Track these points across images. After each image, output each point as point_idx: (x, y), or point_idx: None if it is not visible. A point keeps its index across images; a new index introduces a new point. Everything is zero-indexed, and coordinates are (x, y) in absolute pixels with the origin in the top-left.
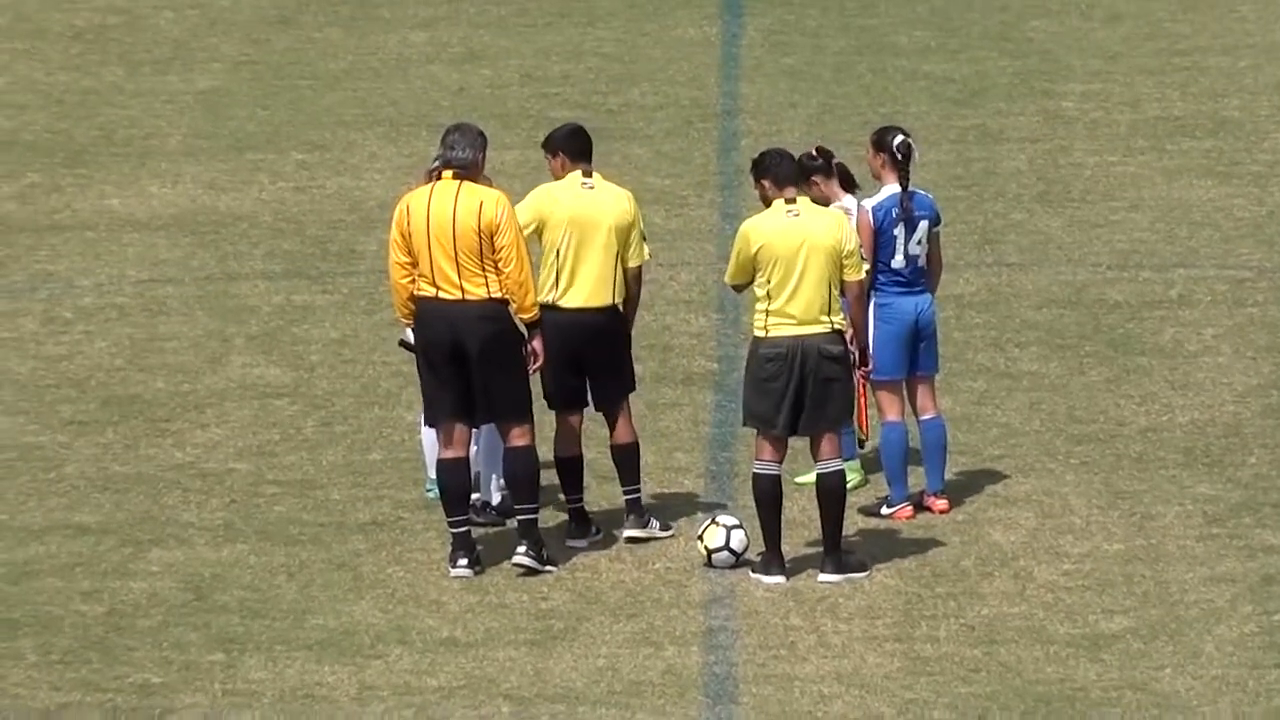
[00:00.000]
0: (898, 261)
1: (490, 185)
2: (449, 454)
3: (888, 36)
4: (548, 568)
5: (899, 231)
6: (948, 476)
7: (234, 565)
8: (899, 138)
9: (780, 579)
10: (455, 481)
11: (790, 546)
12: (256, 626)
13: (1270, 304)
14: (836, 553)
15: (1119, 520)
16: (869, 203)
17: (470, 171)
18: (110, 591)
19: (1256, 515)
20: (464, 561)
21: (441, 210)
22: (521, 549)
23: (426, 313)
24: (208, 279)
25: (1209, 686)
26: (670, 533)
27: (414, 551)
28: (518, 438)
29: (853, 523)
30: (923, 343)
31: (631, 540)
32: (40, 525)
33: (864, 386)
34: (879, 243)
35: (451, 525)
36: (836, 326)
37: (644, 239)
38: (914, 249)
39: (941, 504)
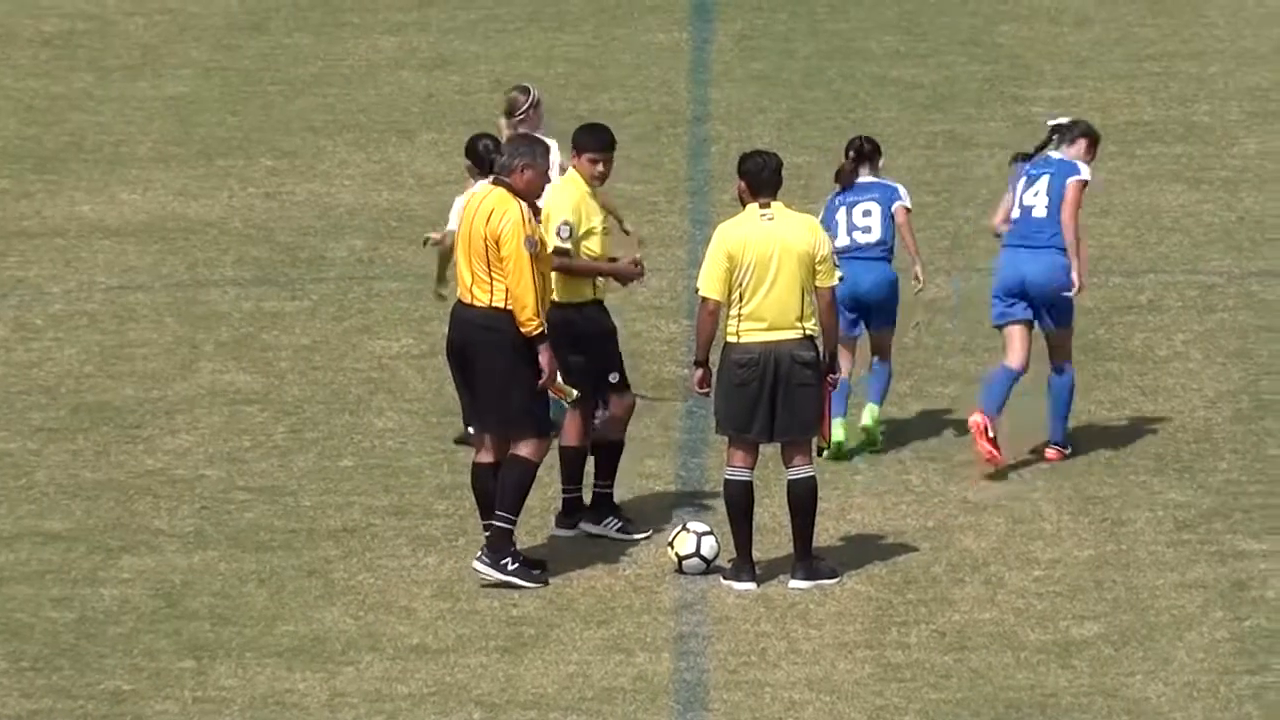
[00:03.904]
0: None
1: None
2: (476, 458)
3: (857, 42)
4: (514, 580)
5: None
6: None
7: (204, 572)
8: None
9: (751, 585)
10: (478, 486)
11: (761, 553)
12: (227, 633)
13: (1240, 309)
14: (807, 559)
15: (1089, 526)
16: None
17: (509, 177)
18: (81, 599)
19: (1227, 521)
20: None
21: (468, 214)
22: (480, 554)
23: (451, 314)
24: (178, 286)
25: (1180, 693)
26: (644, 535)
27: (384, 558)
28: (518, 447)
29: (824, 529)
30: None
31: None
32: (10, 532)
33: (829, 393)
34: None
35: (484, 528)
36: (808, 332)
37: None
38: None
39: (1052, 453)
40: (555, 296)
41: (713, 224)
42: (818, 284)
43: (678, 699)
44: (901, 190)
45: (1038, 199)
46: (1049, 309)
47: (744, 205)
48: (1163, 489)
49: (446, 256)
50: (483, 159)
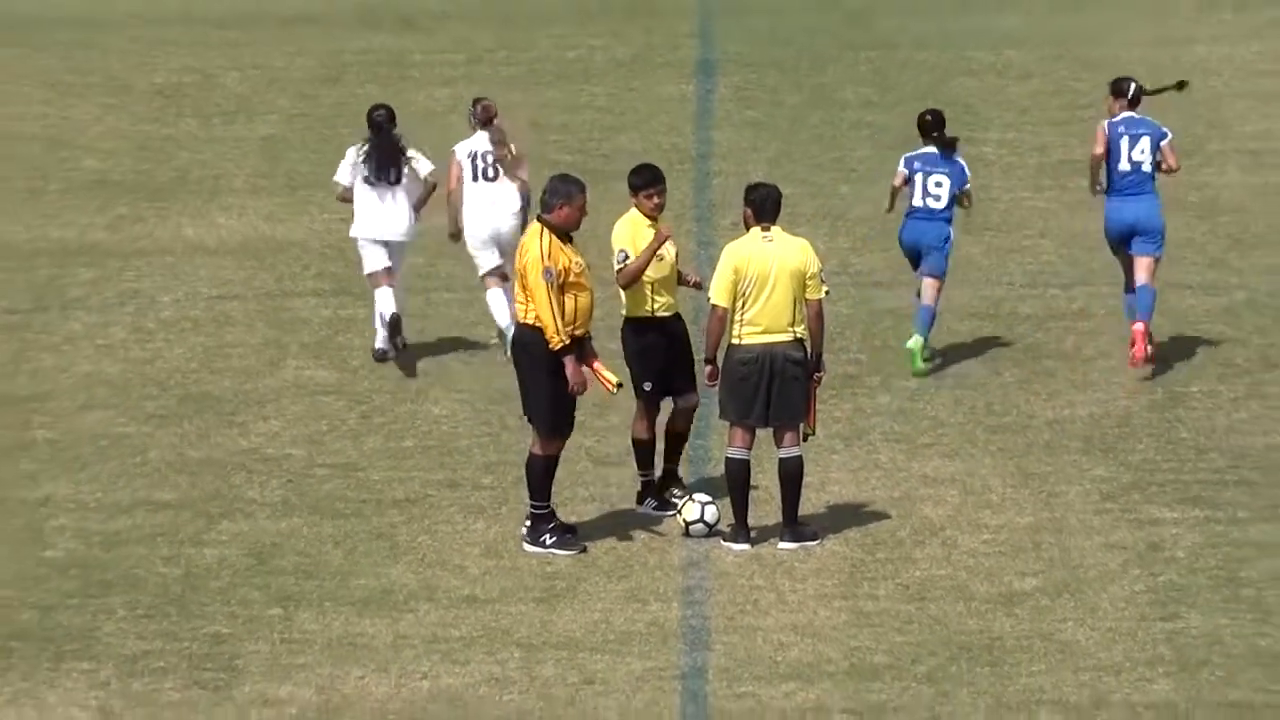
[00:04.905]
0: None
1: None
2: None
3: (835, 92)
4: (553, 551)
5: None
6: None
7: (290, 535)
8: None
9: (746, 546)
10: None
11: (755, 519)
12: (309, 586)
13: (1155, 316)
14: (794, 525)
15: (1029, 497)
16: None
17: (547, 213)
18: (186, 557)
19: (1144, 493)
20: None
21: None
22: (525, 534)
23: None
24: (267, 295)
25: (1105, 636)
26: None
27: (440, 524)
28: (532, 445)
29: (807, 500)
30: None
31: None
32: (128, 502)
33: (814, 389)
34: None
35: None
36: (799, 335)
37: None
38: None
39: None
40: (624, 312)
41: (715, 245)
42: (808, 296)
43: (685, 641)
44: (968, 172)
45: (1144, 156)
46: (1149, 238)
47: (748, 228)
48: (1090, 466)
49: (346, 200)
50: (377, 124)
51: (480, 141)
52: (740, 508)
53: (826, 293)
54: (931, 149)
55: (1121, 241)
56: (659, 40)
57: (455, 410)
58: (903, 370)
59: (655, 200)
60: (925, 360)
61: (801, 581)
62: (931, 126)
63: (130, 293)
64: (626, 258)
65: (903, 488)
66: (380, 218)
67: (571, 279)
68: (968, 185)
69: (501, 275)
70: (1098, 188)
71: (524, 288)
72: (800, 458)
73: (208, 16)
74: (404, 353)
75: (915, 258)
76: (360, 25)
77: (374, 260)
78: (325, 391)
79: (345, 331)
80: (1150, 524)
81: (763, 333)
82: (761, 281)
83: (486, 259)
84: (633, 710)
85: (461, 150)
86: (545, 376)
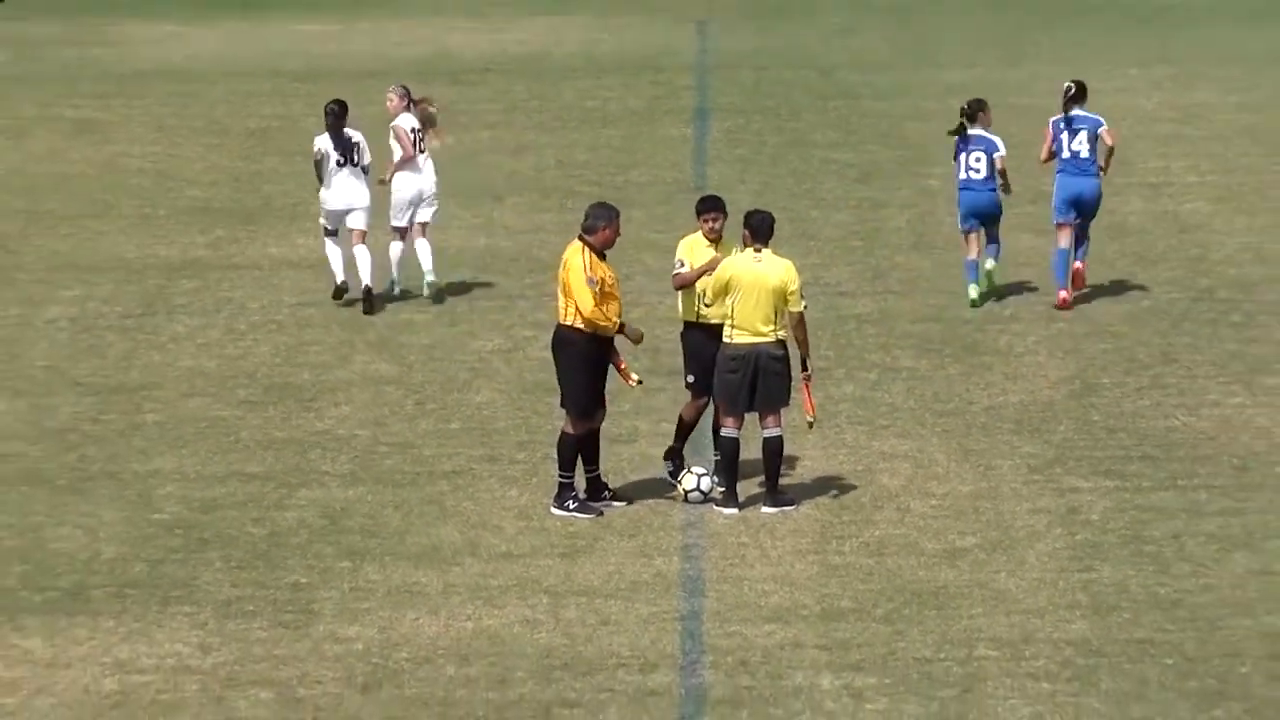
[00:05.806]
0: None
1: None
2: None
3: (808, 135)
4: (575, 515)
5: (962, 157)
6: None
7: (357, 501)
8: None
9: (735, 510)
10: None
11: (742, 488)
12: (372, 543)
13: (1074, 320)
14: (775, 493)
15: (969, 470)
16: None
17: (589, 235)
18: (271, 519)
19: (1065, 466)
20: (571, 505)
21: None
22: (553, 499)
23: None
24: (339, 303)
25: (1031, 585)
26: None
27: (482, 492)
28: (564, 426)
29: (786, 473)
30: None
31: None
32: (223, 473)
33: (807, 386)
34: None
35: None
36: (780, 337)
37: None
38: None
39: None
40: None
41: None
42: (788, 308)
43: (684, 589)
44: (999, 144)
45: (1082, 145)
46: (1087, 212)
47: (744, 247)
48: (1020, 444)
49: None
50: (328, 114)
51: (413, 120)
52: (730, 478)
53: (804, 306)
54: (977, 130)
55: (1070, 207)
56: (663, 92)
57: (494, 398)
58: (864, 364)
59: (711, 224)
60: (982, 297)
61: (781, 540)
62: (973, 116)
63: (225, 300)
64: (683, 265)
65: (864, 462)
66: (345, 191)
67: (605, 289)
68: (998, 152)
69: (401, 232)
70: (1044, 160)
71: (566, 295)
72: (780, 437)
73: (291, 72)
74: (379, 309)
75: (978, 218)
76: (416, 79)
77: (342, 222)
78: (387, 382)
79: (404, 332)
80: (1070, 492)
81: (750, 335)
82: (747, 295)
83: (404, 216)
84: (641, 647)
85: (406, 123)
86: (579, 369)
